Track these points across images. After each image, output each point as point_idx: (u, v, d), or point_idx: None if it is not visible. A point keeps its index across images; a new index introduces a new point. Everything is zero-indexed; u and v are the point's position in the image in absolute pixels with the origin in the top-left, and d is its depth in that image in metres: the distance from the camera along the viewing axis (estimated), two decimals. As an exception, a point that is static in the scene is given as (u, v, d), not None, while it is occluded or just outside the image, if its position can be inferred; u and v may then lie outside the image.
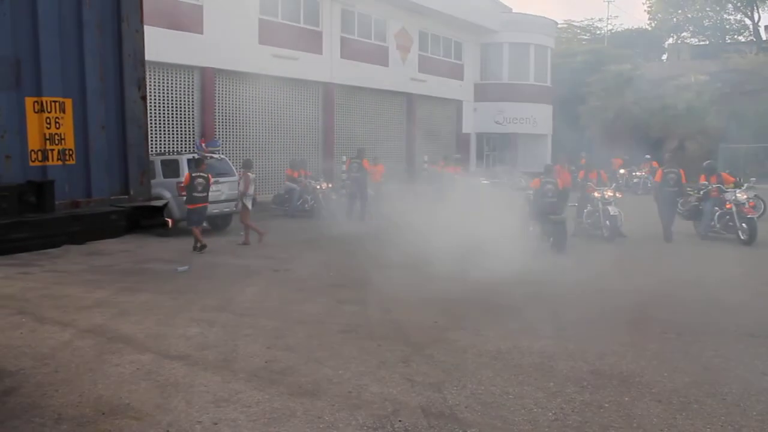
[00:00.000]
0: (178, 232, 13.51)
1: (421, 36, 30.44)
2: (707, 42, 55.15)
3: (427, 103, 30.88)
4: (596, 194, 13.38)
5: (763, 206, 17.43)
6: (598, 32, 55.26)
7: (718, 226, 13.81)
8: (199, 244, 12.25)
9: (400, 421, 4.61)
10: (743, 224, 13.16)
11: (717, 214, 13.74)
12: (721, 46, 52.35)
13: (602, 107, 35.89)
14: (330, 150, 24.89)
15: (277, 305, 8.13)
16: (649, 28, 56.29)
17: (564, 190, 13.32)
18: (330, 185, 19.46)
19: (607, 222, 13.13)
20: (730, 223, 13.50)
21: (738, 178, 15.19)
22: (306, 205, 18.82)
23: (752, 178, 14.98)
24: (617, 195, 13.96)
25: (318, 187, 18.83)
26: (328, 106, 25.15)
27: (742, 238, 13.17)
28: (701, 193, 14.30)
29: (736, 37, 54.81)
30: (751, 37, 52.58)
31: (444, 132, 32.69)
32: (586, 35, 55.10)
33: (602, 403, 4.96)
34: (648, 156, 28.38)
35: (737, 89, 38.72)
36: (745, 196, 13.36)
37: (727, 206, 13.45)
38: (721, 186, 13.79)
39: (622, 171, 17.89)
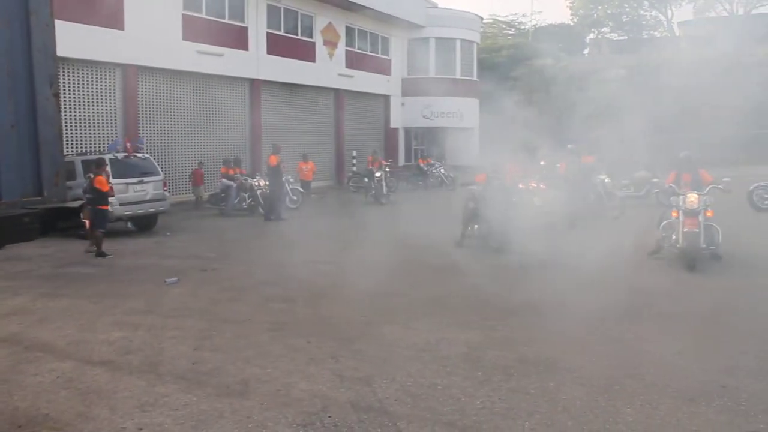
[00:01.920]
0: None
1: (348, 31, 30.41)
2: (626, 37, 57.10)
3: (354, 98, 30.90)
4: (521, 186, 13.57)
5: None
6: (523, 27, 56.35)
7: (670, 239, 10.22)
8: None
9: (329, 417, 4.59)
10: (685, 242, 9.59)
11: (663, 224, 10.31)
12: (639, 41, 54.32)
13: (527, 101, 36.68)
14: (257, 147, 24.62)
15: (204, 306, 7.98)
16: (572, 24, 57.83)
17: (512, 186, 12.73)
18: (267, 182, 19.11)
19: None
20: (673, 237, 10.08)
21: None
22: (244, 204, 18.43)
23: (725, 179, 10.77)
24: (540, 186, 14.33)
25: (256, 184, 18.42)
26: (255, 102, 24.87)
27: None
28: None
29: (652, 32, 56.97)
30: (666, 33, 54.81)
31: (372, 127, 32.77)
32: (510, 30, 56.14)
33: (528, 390, 5.06)
34: (570, 146, 29.24)
35: (654, 82, 40.19)
36: (696, 202, 9.63)
37: (673, 214, 9.96)
38: (674, 187, 10.15)
39: (542, 163, 18.33)
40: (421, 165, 27.87)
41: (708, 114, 37.45)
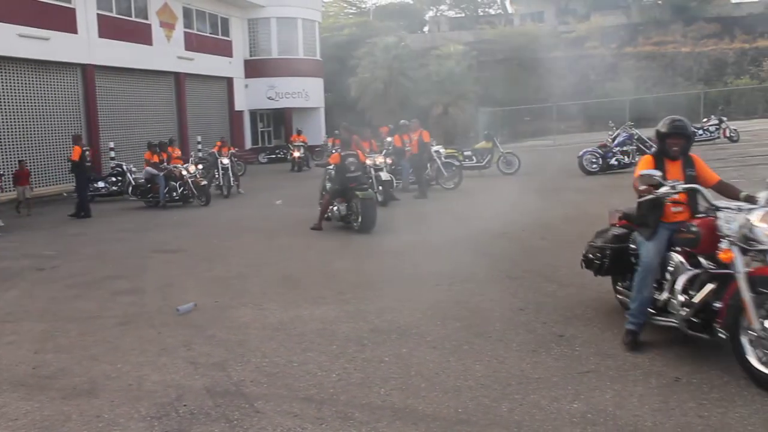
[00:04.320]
0: None
1: (186, 12, 29.38)
2: (463, 15, 59.27)
3: (196, 82, 30.01)
4: (368, 162, 13.80)
5: (517, 162, 19.33)
6: (364, 6, 57.03)
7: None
8: None
9: (184, 405, 4.50)
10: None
11: (683, 279, 4.96)
12: (475, 18, 56.60)
13: (371, 78, 37.29)
14: (95, 137, 23.31)
15: (43, 306, 7.48)
16: (411, 2, 59.18)
17: (366, 163, 12.70)
18: (199, 167, 17.43)
19: (380, 187, 13.67)
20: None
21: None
22: (175, 194, 16.68)
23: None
24: (387, 161, 14.76)
25: (185, 172, 16.65)
26: (89, 89, 23.46)
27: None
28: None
29: (487, 10, 59.51)
30: (500, 10, 57.49)
31: (216, 111, 32.00)
32: (352, 9, 56.61)
33: (383, 358, 5.20)
34: (403, 121, 30.00)
35: (491, 57, 42.27)
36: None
37: (724, 257, 4.61)
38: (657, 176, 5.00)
39: (389, 139, 18.85)
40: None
41: (536, 85, 39.86)
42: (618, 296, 6.01)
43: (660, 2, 50.21)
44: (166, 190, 16.68)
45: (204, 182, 16.88)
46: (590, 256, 6.00)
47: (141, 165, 20.14)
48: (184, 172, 16.69)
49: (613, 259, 5.71)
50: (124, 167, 19.26)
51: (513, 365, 4.93)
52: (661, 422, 3.94)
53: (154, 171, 16.96)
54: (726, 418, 3.96)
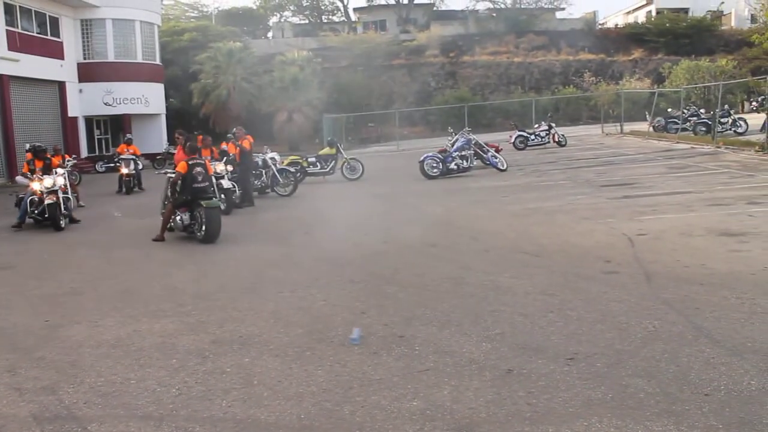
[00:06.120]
0: None
1: (7, 8, 27.23)
2: (307, 21, 59.59)
3: (22, 85, 27.92)
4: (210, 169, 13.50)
5: (361, 168, 19.72)
6: (206, 9, 55.78)
7: None
8: None
9: (7, 436, 4.21)
10: None
11: None
12: (319, 25, 57.13)
13: (214, 84, 36.57)
14: None
15: None
16: (255, 7, 58.64)
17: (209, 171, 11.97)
18: (59, 180, 13.81)
19: (223, 195, 13.42)
20: None
21: None
22: (35, 210, 13.37)
23: None
24: (228, 168, 14.59)
25: (37, 187, 13.26)
26: None
27: None
28: None
29: (330, 17, 60.16)
30: (343, 18, 58.36)
31: (47, 117, 29.96)
32: (194, 12, 55.23)
33: (224, 369, 5.13)
34: (236, 128, 29.27)
35: (335, 64, 42.80)
36: None
37: None
38: None
39: (224, 147, 18.30)
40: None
41: (379, 92, 40.84)
42: None
43: (494, 15, 53.09)
44: (32, 208, 13.43)
45: (50, 201, 13.10)
46: None
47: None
48: (36, 187, 13.31)
49: None
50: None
51: (355, 368, 5.03)
52: (494, 413, 4.18)
53: (24, 181, 13.93)
54: (551, 403, 4.27)
